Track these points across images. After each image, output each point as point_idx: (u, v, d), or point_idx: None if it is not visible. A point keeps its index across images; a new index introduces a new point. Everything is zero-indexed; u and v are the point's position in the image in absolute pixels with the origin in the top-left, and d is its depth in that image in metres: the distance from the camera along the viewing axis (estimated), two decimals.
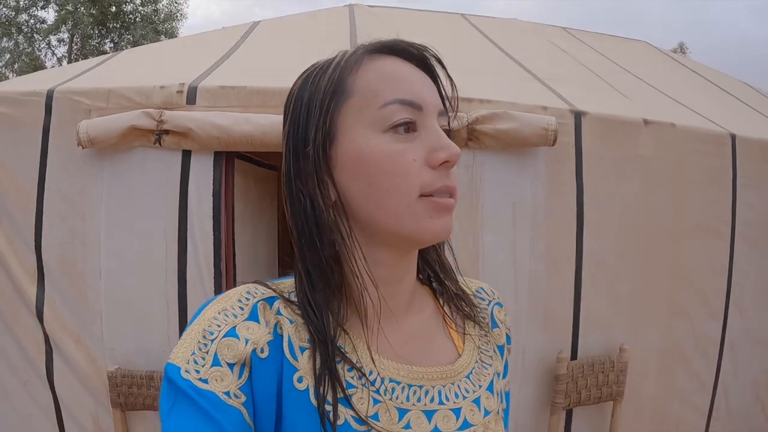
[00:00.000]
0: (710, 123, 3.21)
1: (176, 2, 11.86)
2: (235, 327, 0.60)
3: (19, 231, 2.62)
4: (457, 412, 0.68)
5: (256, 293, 0.65)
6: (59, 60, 12.00)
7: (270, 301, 0.65)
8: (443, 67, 0.68)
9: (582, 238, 2.72)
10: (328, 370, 0.61)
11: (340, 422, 0.60)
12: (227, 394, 0.57)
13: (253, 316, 0.62)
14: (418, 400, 0.65)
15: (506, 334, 0.82)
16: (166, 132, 2.45)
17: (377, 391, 0.64)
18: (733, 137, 3.09)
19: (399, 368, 0.66)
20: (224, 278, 2.58)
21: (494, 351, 0.78)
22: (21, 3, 11.23)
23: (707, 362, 3.11)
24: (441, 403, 0.67)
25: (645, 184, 2.84)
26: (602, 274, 2.79)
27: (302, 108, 0.64)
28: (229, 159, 2.63)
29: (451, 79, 0.68)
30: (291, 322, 0.64)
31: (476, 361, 0.74)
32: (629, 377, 2.77)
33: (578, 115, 2.71)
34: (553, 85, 3.14)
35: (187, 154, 2.53)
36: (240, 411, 0.58)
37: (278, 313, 0.64)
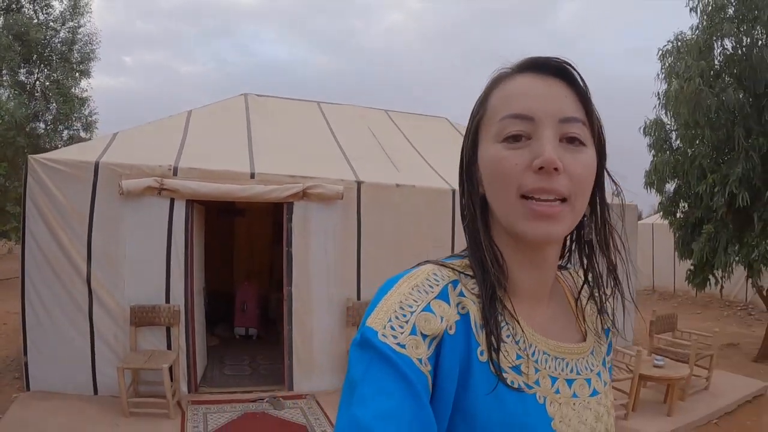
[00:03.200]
0: (442, 182, 6.38)
1: (91, 44, 14.09)
2: (429, 303, 0.70)
3: (77, 235, 5.19)
4: (588, 381, 0.83)
5: (443, 275, 0.75)
6: None
7: (455, 283, 0.75)
8: (578, 73, 0.76)
9: (360, 245, 5.80)
10: (497, 336, 0.72)
11: (514, 387, 0.73)
12: (420, 360, 0.66)
13: (443, 296, 0.72)
14: (562, 370, 0.79)
15: (610, 320, 0.94)
16: (163, 189, 5.18)
17: (537, 361, 0.77)
18: (454, 192, 6.27)
19: (548, 343, 0.79)
20: (188, 264, 5.33)
21: (603, 332, 0.91)
22: None
23: None
24: (578, 373, 0.81)
25: (397, 220, 5.94)
26: (372, 263, 5.83)
27: (470, 116, 0.81)
28: (192, 203, 5.40)
29: (584, 83, 0.76)
30: (473, 302, 0.74)
31: (594, 341, 0.88)
32: None
33: (359, 183, 5.83)
34: (353, 162, 6.27)
35: (172, 201, 5.27)
36: (427, 377, 0.66)
37: (461, 294, 0.74)
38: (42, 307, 5.18)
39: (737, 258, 7.72)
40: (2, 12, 13.83)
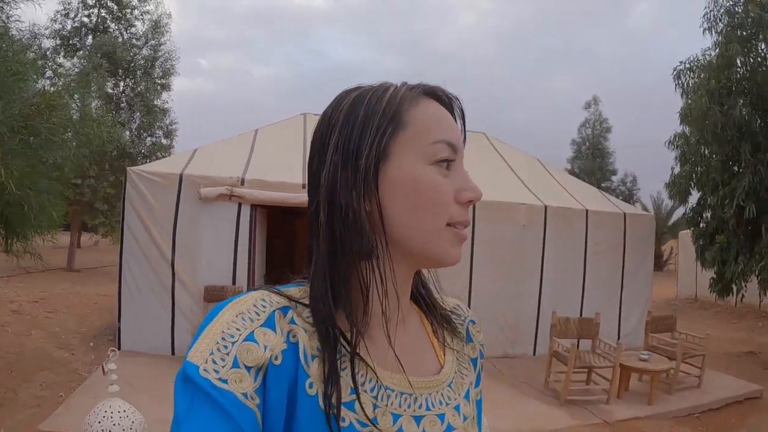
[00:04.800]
0: None
1: (171, 60, 16.13)
2: (253, 332, 0.66)
3: (165, 230, 6.73)
4: (441, 417, 0.79)
5: (272, 301, 0.71)
6: None
7: (284, 310, 0.71)
8: (463, 117, 0.81)
9: None
10: (335, 376, 0.69)
11: (344, 424, 0.69)
12: (245, 395, 0.63)
13: (269, 324, 0.68)
14: (409, 406, 0.75)
15: (479, 349, 0.94)
16: (233, 196, 6.66)
17: (376, 397, 0.73)
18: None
19: (393, 377, 0.75)
20: (251, 255, 6.79)
21: (468, 363, 0.90)
22: (47, 50, 15.08)
23: None
24: (428, 409, 0.77)
25: None
26: None
27: (356, 125, 0.73)
28: (256, 207, 6.87)
29: (464, 126, 0.81)
30: (305, 331, 0.71)
31: (455, 372, 0.85)
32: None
33: None
34: None
35: (239, 205, 6.75)
36: (255, 413, 0.63)
37: (292, 321, 0.70)
38: (135, 286, 6.77)
39: (752, 268, 8.25)
40: (91, 32, 15.96)
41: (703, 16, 8.69)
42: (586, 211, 8.54)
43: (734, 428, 6.40)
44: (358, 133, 0.73)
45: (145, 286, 6.78)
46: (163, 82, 15.93)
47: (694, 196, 9.53)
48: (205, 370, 0.63)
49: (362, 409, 0.70)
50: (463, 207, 0.75)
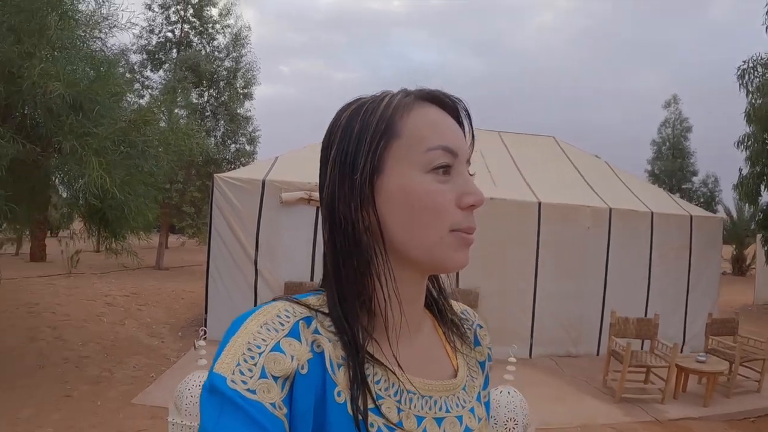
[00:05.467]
0: (532, 195, 7.97)
1: (252, 71, 17.19)
2: (278, 342, 0.68)
3: (248, 231, 7.44)
4: (459, 419, 0.82)
5: (295, 311, 0.73)
6: None
7: (308, 320, 0.73)
8: (470, 120, 0.80)
9: None
10: (360, 382, 0.71)
11: (372, 430, 0.71)
12: (273, 405, 0.65)
13: (293, 334, 0.70)
14: (430, 408, 0.78)
15: (487, 352, 0.97)
16: (311, 200, 7.29)
17: (399, 401, 0.75)
18: (540, 204, 7.84)
19: (414, 380, 0.78)
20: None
21: (477, 366, 0.92)
22: (135, 63, 16.40)
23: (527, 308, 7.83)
24: (447, 411, 0.80)
25: (488, 226, 7.63)
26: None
27: (352, 139, 0.74)
28: None
29: (473, 131, 0.81)
30: (329, 341, 0.73)
31: (467, 375, 0.88)
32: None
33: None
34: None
35: (317, 208, 7.36)
36: (283, 422, 0.65)
37: (315, 332, 0.72)
38: (221, 282, 7.50)
39: None
40: (176, 46, 17.18)
41: (767, 13, 8.62)
42: (651, 213, 8.68)
43: None
44: (354, 147, 0.74)
45: (230, 282, 7.50)
46: (246, 91, 17.01)
47: (766, 198, 9.50)
48: (233, 381, 0.64)
49: (385, 414, 0.73)
50: (466, 212, 0.75)
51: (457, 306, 0.96)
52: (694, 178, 29.97)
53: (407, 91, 0.78)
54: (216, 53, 16.94)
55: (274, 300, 0.75)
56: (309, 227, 7.43)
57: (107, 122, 5.66)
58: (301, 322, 0.72)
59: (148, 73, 16.64)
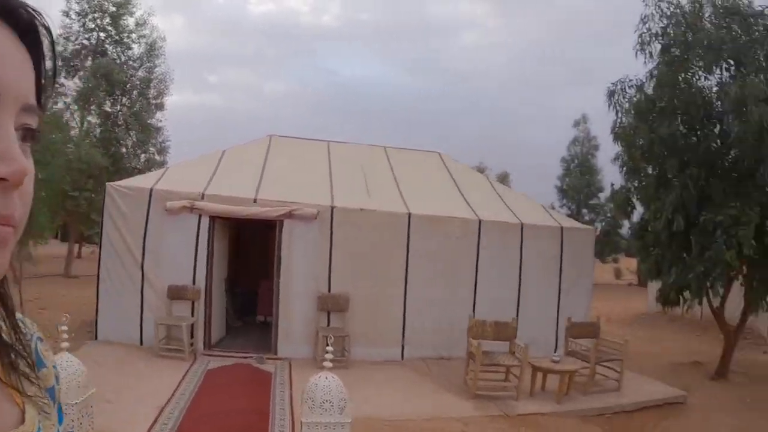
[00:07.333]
0: (404, 207, 8.85)
1: (165, 82, 17.76)
2: None
3: (136, 237, 8.07)
4: None
5: None
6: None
7: None
8: (53, 46, 0.58)
9: (331, 252, 8.39)
10: None
11: None
12: None
13: None
14: None
15: (54, 373, 0.73)
16: (194, 208, 7.98)
17: None
18: (409, 215, 8.73)
19: None
20: (209, 260, 8.10)
21: (47, 396, 0.68)
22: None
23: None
24: None
25: (360, 235, 8.44)
26: (340, 266, 8.39)
27: None
28: (214, 218, 8.18)
29: (55, 66, 0.60)
30: None
31: (38, 415, 0.65)
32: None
33: (332, 207, 8.41)
34: (335, 191, 8.90)
35: (200, 216, 8.07)
36: None
37: None
38: (111, 285, 8.11)
39: (686, 279, 8.82)
40: (91, 54, 17.56)
41: (638, 37, 9.34)
42: (522, 224, 9.67)
43: (644, 429, 7.05)
44: None
45: (119, 286, 8.12)
46: (158, 102, 17.55)
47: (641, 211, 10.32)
48: None
49: None
50: None
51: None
52: (600, 194, 31.73)
53: None
54: (131, 62, 17.41)
55: None
56: (192, 234, 8.11)
57: None
58: None
59: (62, 80, 16.94)
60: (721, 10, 9.00)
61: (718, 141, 9.12)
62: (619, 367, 7.98)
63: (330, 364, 4.29)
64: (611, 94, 9.71)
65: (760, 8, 8.96)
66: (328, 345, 4.48)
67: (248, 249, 11.26)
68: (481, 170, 28.63)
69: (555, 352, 8.76)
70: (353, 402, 4.40)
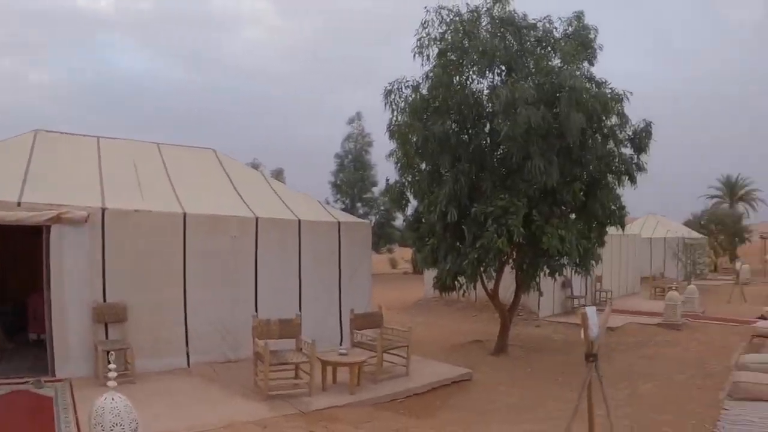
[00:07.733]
0: (178, 207, 8.37)
1: None
2: None
3: None
4: None
5: None
6: None
7: None
8: None
9: (104, 257, 7.68)
10: None
11: None
12: None
13: None
14: None
15: None
16: None
17: None
18: (185, 215, 8.29)
19: None
20: None
21: None
22: None
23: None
24: None
25: (136, 237, 7.86)
26: (117, 273, 7.73)
27: None
28: None
29: None
30: None
31: None
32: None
33: (103, 209, 7.72)
34: (106, 192, 8.14)
35: None
36: None
37: None
38: None
39: (461, 266, 9.51)
40: None
41: (417, 41, 9.97)
42: (299, 221, 9.72)
43: (436, 408, 7.57)
44: None
45: None
46: None
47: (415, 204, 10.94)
48: None
49: None
50: None
51: None
52: (374, 189, 33.67)
53: None
54: None
55: None
56: None
57: None
58: None
59: None
60: (497, 21, 9.94)
61: (488, 139, 9.99)
62: (406, 353, 8.47)
63: (114, 383, 4.02)
64: (388, 93, 10.23)
65: (533, 21, 10.09)
66: (109, 362, 4.20)
67: (14, 259, 10.00)
68: (255, 167, 28.61)
69: (341, 344, 9.06)
70: (145, 419, 4.12)
